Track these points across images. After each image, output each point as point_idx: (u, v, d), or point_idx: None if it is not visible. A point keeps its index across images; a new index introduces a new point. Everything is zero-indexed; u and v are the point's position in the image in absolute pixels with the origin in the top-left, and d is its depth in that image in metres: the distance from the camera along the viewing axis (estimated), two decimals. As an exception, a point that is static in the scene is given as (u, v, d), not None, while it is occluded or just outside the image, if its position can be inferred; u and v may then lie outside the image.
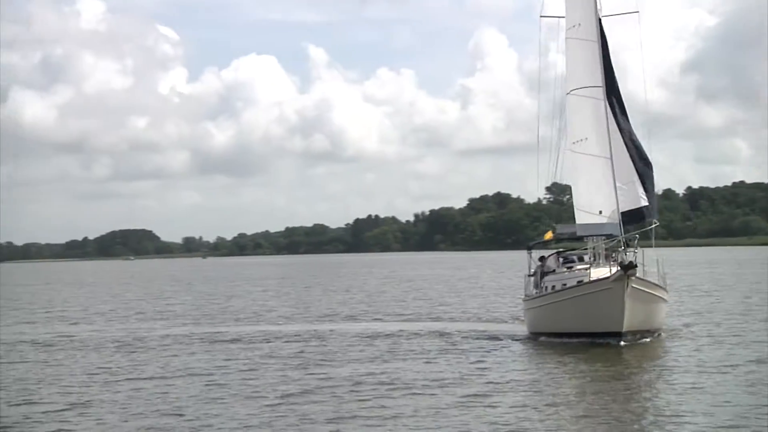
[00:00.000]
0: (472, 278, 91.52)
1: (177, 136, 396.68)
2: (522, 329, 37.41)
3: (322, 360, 30.64)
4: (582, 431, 19.50)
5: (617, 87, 33.89)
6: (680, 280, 70.75)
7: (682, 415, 20.44)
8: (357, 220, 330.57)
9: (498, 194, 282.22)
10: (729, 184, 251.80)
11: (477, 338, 35.65)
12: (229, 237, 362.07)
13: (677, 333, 34.92)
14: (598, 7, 34.02)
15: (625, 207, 33.04)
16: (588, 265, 34.31)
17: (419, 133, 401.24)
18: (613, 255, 34.06)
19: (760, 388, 23.26)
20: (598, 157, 32.99)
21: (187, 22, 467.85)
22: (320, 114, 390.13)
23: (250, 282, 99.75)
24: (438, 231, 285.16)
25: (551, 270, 36.68)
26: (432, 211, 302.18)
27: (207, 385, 25.95)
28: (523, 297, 39.25)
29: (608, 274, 31.05)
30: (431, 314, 48.23)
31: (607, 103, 33.17)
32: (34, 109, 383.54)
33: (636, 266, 30.68)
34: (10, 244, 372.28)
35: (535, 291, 36.66)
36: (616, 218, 32.61)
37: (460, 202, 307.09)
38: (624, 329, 30.79)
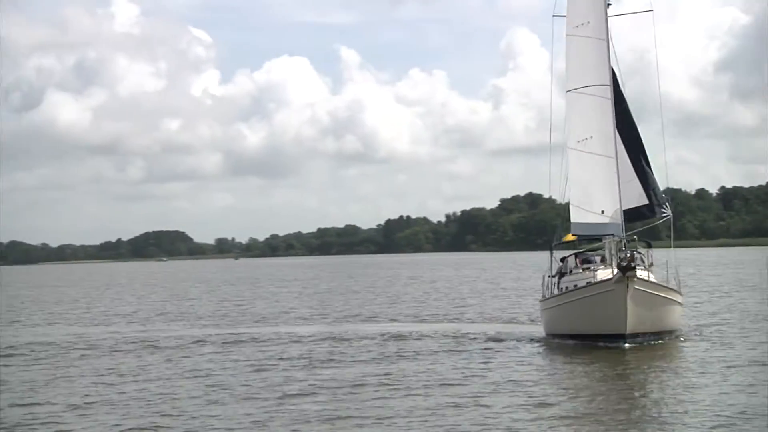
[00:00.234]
0: (496, 279, 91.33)
1: (210, 138, 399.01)
2: (539, 330, 37.33)
3: (329, 361, 30.82)
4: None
5: (619, 85, 33.84)
6: (703, 280, 70.25)
7: (681, 416, 20.42)
8: (388, 221, 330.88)
9: (530, 194, 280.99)
10: (763, 183, 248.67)
11: (489, 340, 35.60)
12: (261, 238, 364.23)
13: (692, 334, 34.54)
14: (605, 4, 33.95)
15: (627, 206, 32.91)
16: (604, 266, 34.18)
17: (451, 133, 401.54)
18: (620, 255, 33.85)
19: (758, 389, 23.18)
20: (603, 156, 32.89)
21: (219, 24, 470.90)
22: (352, 115, 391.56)
23: (278, 283, 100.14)
24: (469, 231, 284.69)
25: (569, 271, 36.60)
26: (463, 212, 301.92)
27: (210, 385, 26.21)
28: (539, 298, 39.18)
29: (611, 276, 30.92)
30: (449, 315, 48.26)
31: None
32: (69, 112, 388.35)
33: (635, 267, 30.48)
34: (45, 245, 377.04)
35: (555, 292, 36.57)
36: (619, 218, 32.50)
37: (491, 203, 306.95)
38: (628, 331, 30.62)
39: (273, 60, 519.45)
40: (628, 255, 30.85)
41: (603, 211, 32.92)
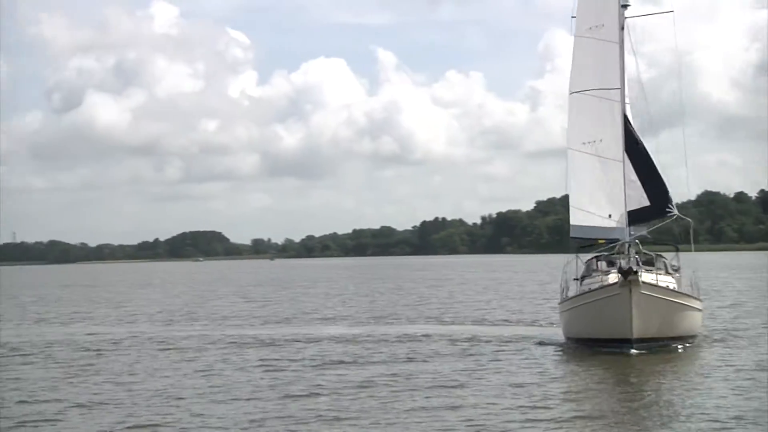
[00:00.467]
0: (525, 281, 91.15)
1: (247, 139, 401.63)
2: (558, 333, 37.20)
3: (339, 362, 30.98)
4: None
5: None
6: (730, 285, 69.64)
7: (674, 420, 20.41)
8: (424, 223, 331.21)
9: (566, 197, 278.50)
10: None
11: (505, 342, 35.59)
12: (297, 239, 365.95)
13: (711, 340, 34.23)
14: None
15: (629, 208, 32.83)
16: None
17: (487, 135, 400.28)
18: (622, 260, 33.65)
19: (758, 393, 23.10)
20: (611, 160, 32.81)
21: (257, 26, 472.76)
22: (388, 116, 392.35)
23: (310, 284, 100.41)
24: (505, 233, 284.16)
25: (589, 273, 36.49)
26: (499, 214, 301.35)
27: (217, 385, 26.50)
28: (558, 301, 39.09)
29: (617, 280, 30.78)
30: (469, 318, 48.24)
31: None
32: (109, 113, 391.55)
33: (636, 272, 30.26)
34: (84, 245, 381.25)
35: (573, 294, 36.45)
36: (624, 221, 32.42)
37: (527, 205, 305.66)
38: (634, 336, 30.36)
39: (310, 61, 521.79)
40: (632, 259, 30.66)
41: (610, 215, 32.84)
